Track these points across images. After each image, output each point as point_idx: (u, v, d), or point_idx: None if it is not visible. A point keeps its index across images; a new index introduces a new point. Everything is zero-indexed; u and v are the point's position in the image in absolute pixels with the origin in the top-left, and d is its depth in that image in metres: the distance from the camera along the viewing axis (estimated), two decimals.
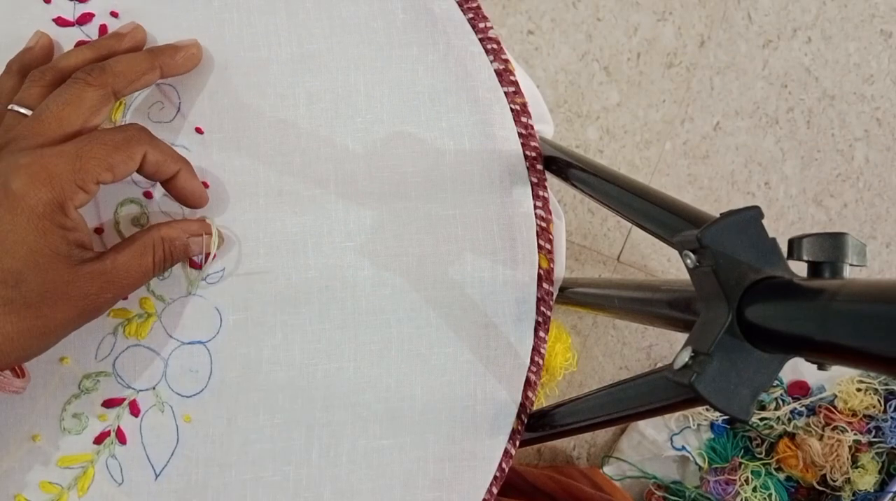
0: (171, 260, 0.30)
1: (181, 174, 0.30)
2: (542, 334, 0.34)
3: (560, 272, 0.36)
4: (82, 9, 0.33)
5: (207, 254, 0.32)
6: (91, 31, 0.33)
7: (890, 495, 0.79)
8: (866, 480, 0.79)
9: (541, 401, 0.85)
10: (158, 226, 0.30)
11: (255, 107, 0.33)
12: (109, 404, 0.32)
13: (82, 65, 0.29)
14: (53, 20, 0.33)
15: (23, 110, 0.28)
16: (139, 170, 0.29)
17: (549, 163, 0.35)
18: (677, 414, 0.85)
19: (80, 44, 0.33)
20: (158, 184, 0.32)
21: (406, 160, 0.34)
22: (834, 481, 0.79)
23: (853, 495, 0.80)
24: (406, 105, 0.34)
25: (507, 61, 0.34)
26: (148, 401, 0.32)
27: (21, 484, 0.31)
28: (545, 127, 0.35)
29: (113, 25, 0.33)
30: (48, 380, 0.32)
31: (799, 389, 0.83)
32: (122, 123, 0.32)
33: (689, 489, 0.85)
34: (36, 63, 0.31)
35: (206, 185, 0.33)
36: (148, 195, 0.32)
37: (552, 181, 0.35)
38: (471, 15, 0.34)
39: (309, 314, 0.33)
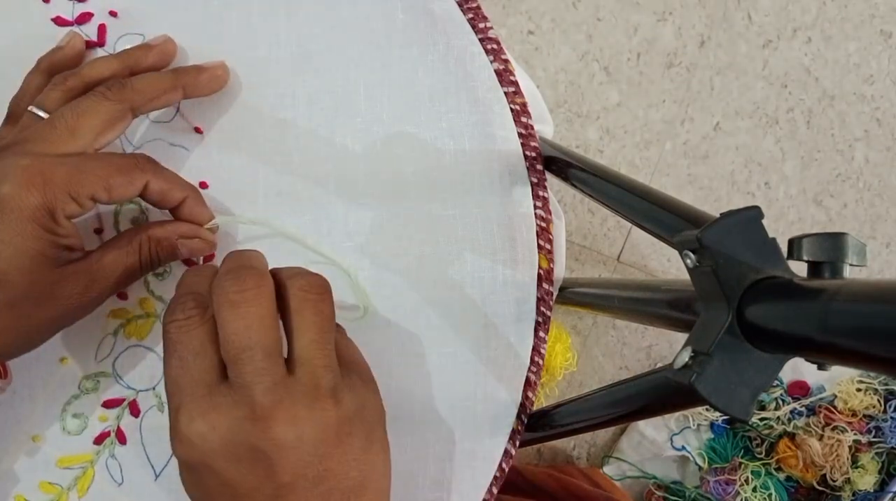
0: (158, 260, 0.30)
1: (187, 202, 0.30)
2: (542, 334, 0.34)
3: (560, 272, 0.36)
4: (81, 8, 0.33)
5: (211, 256, 0.32)
6: (90, 31, 0.33)
7: (890, 495, 0.79)
8: (866, 480, 0.79)
9: (541, 401, 0.85)
10: (148, 226, 0.30)
11: (255, 107, 0.33)
12: (109, 404, 0.32)
13: (107, 75, 0.29)
14: (52, 19, 0.33)
15: (40, 112, 0.28)
16: (143, 197, 0.29)
17: (549, 163, 0.35)
18: (677, 413, 0.85)
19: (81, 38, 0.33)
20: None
21: (406, 160, 0.34)
22: (834, 481, 0.79)
23: (853, 495, 0.80)
24: (406, 105, 0.34)
25: (507, 61, 0.34)
26: (148, 402, 0.32)
27: (21, 485, 0.31)
28: (545, 127, 0.35)
29: (112, 25, 0.33)
30: (48, 381, 0.32)
31: (799, 389, 0.83)
32: None
33: (689, 489, 0.85)
34: (65, 64, 0.31)
35: (204, 186, 0.33)
36: None
37: (552, 181, 0.35)
38: (471, 15, 0.34)
39: None
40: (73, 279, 0.27)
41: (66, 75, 0.29)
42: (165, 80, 0.30)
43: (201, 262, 0.32)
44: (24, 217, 0.25)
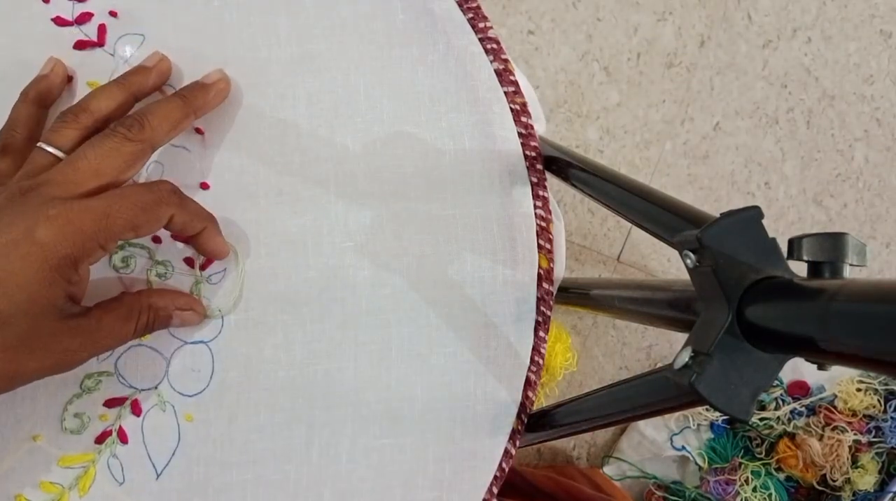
0: (153, 328, 0.30)
1: (205, 232, 0.30)
2: (542, 334, 0.34)
3: (560, 272, 0.36)
4: (81, 8, 0.33)
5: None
6: (90, 31, 0.33)
7: (890, 495, 0.79)
8: (866, 480, 0.79)
9: (541, 401, 0.85)
10: (149, 293, 0.30)
11: (255, 108, 0.33)
12: (111, 403, 0.32)
13: (115, 107, 0.29)
14: (52, 19, 0.33)
15: (55, 152, 0.28)
16: (166, 228, 0.29)
17: (549, 163, 0.35)
18: (677, 414, 0.85)
19: (79, 43, 0.33)
20: None
21: (406, 160, 0.34)
22: (834, 481, 0.79)
23: (853, 495, 0.80)
24: (406, 105, 0.34)
25: (506, 61, 0.34)
26: (150, 401, 0.32)
27: (22, 484, 0.31)
28: (537, 124, 0.35)
29: (112, 25, 0.33)
30: (49, 380, 0.32)
31: (799, 389, 0.83)
32: None
33: (689, 489, 0.85)
34: (52, 91, 0.31)
35: (206, 186, 0.33)
36: None
37: (552, 182, 0.35)
38: (471, 15, 0.34)
39: (309, 314, 0.33)
40: (71, 335, 0.26)
41: (75, 111, 0.29)
42: (177, 110, 0.30)
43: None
44: (50, 265, 0.25)
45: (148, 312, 0.30)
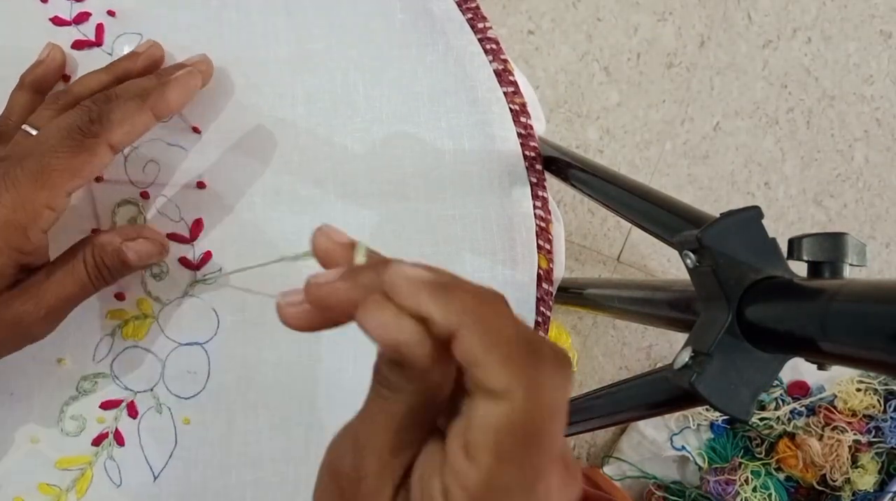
0: (106, 268, 0.28)
1: (160, 109, 0.28)
2: (541, 334, 0.34)
3: (560, 272, 0.36)
4: (79, 8, 0.33)
5: (208, 254, 0.32)
6: (88, 31, 0.33)
7: (890, 495, 0.79)
8: (866, 480, 0.79)
9: None
10: (91, 236, 0.28)
11: (254, 107, 0.33)
12: (107, 406, 0.32)
13: (97, 89, 0.29)
14: (50, 19, 0.33)
15: (32, 131, 0.28)
16: (113, 149, 0.27)
17: (549, 164, 0.35)
18: (677, 414, 0.85)
19: (77, 43, 0.32)
20: (155, 184, 0.32)
21: (406, 160, 0.33)
22: (834, 481, 0.79)
23: (853, 495, 0.80)
24: (405, 105, 0.34)
25: (506, 61, 0.34)
26: (146, 403, 0.32)
27: (20, 486, 0.31)
28: (536, 124, 0.35)
29: (109, 24, 0.33)
30: (46, 382, 0.32)
31: (799, 389, 0.83)
32: None
33: (689, 489, 0.84)
34: (48, 78, 0.31)
35: (202, 185, 0.33)
36: (145, 195, 0.32)
37: (552, 182, 0.35)
38: (470, 15, 0.34)
39: None
40: (21, 299, 0.26)
41: (57, 94, 0.29)
42: (137, 110, 0.27)
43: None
44: None
45: (92, 250, 0.27)
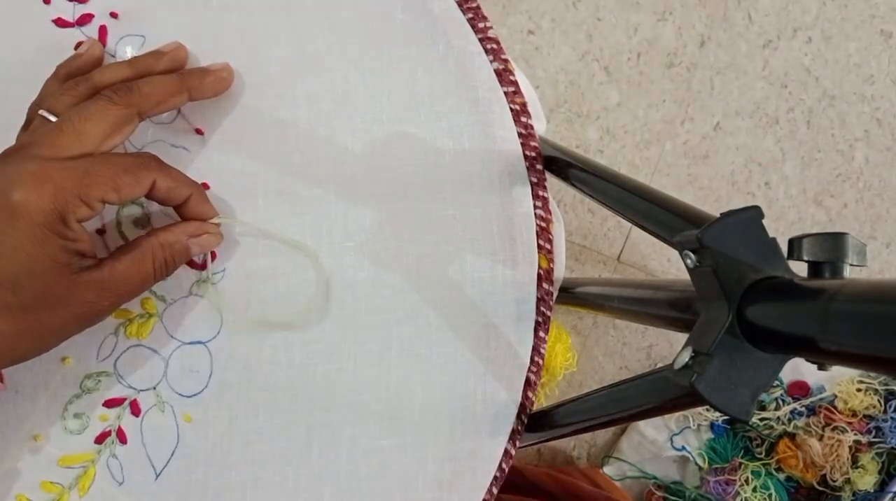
0: (173, 264, 0.30)
1: (192, 200, 0.30)
2: (542, 334, 0.34)
3: (560, 272, 0.36)
4: (82, 9, 0.33)
5: (213, 254, 0.32)
6: (91, 32, 0.33)
7: (890, 495, 0.79)
8: (866, 480, 0.79)
9: (541, 401, 0.85)
10: (157, 232, 0.30)
11: (255, 108, 0.33)
12: (110, 404, 0.32)
13: (118, 80, 0.29)
14: (53, 21, 0.33)
15: (50, 116, 0.28)
16: (150, 196, 0.29)
17: (549, 163, 0.35)
18: (677, 414, 0.85)
19: (80, 45, 0.33)
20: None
21: (406, 160, 0.34)
22: (834, 481, 0.79)
23: (853, 495, 0.80)
24: (406, 105, 0.34)
25: (506, 61, 0.34)
26: (149, 401, 0.32)
27: (22, 484, 0.31)
28: (537, 124, 0.35)
29: (112, 26, 0.33)
30: (50, 380, 0.32)
31: (799, 389, 0.83)
32: None
33: (689, 489, 0.85)
34: (82, 70, 0.31)
35: (206, 186, 0.33)
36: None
37: (552, 182, 0.35)
38: (470, 15, 0.34)
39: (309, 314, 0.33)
40: (86, 287, 0.27)
41: (77, 81, 0.29)
42: (171, 83, 0.30)
43: (209, 259, 0.32)
44: (37, 222, 0.25)
45: (162, 250, 0.29)
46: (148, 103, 0.29)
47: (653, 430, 0.86)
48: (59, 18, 0.33)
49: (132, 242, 0.29)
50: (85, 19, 0.33)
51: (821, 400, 0.81)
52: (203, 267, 0.33)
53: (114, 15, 0.33)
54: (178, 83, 0.30)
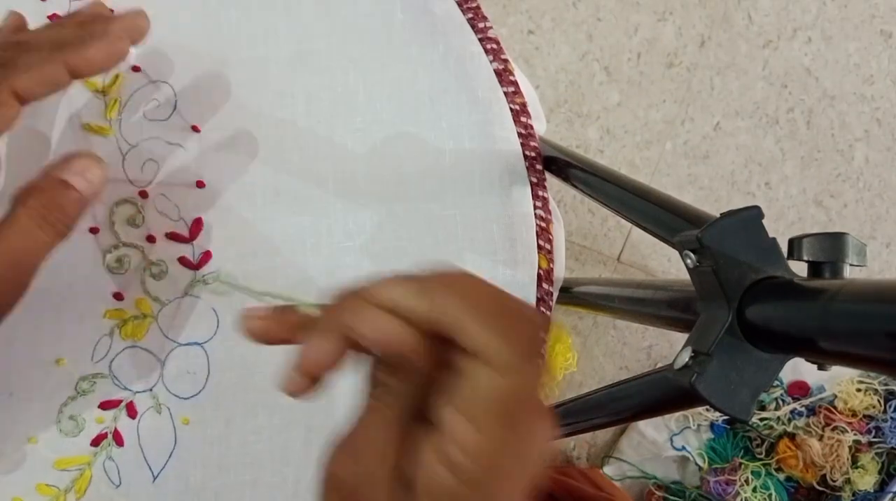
0: (65, 215, 0.25)
1: (74, 58, 0.25)
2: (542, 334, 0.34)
3: (560, 272, 0.36)
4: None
5: (209, 254, 0.32)
6: None
7: (890, 495, 0.79)
8: (866, 480, 0.79)
9: None
10: (24, 190, 0.24)
11: (253, 106, 0.33)
12: (106, 406, 0.32)
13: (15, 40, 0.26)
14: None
15: None
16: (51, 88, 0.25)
17: (549, 163, 0.35)
18: (677, 413, 0.85)
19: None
20: (154, 183, 0.32)
21: (406, 160, 0.33)
22: (834, 481, 0.79)
23: (853, 495, 0.80)
24: (406, 105, 0.33)
25: (506, 61, 0.34)
26: (145, 403, 0.32)
27: (18, 487, 0.31)
28: (537, 124, 0.35)
29: None
30: (45, 383, 0.31)
31: (799, 389, 0.83)
32: (118, 121, 0.32)
33: (689, 489, 0.84)
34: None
35: (201, 184, 0.33)
36: (143, 194, 0.32)
37: (552, 182, 0.35)
38: (470, 15, 0.34)
39: None
40: None
41: None
42: (45, 54, 0.25)
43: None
44: None
45: (31, 196, 0.24)
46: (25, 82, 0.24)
47: (653, 430, 0.86)
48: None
49: (7, 215, 0.24)
50: None
51: (821, 400, 0.81)
52: (198, 267, 0.32)
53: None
54: (55, 64, 0.25)
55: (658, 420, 0.86)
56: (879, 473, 0.80)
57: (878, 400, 0.79)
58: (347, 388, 0.33)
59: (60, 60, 0.25)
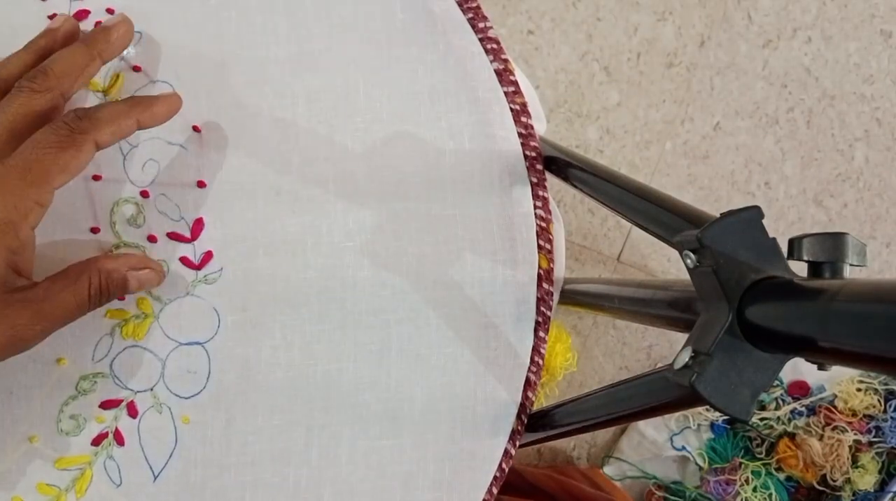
0: (108, 293, 0.29)
1: (144, 117, 0.29)
2: (542, 334, 0.34)
3: (560, 273, 0.36)
4: (78, 5, 0.33)
5: (209, 254, 0.32)
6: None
7: (890, 495, 0.79)
8: (866, 480, 0.79)
9: (541, 401, 0.84)
10: (97, 258, 0.29)
11: (254, 106, 0.33)
12: (107, 405, 0.32)
13: (24, 69, 0.28)
14: (49, 17, 0.33)
15: None
16: (100, 147, 0.28)
17: (549, 163, 0.35)
18: (677, 413, 0.85)
19: (54, 16, 0.32)
20: (155, 183, 0.32)
21: (406, 160, 0.33)
22: (834, 481, 0.79)
23: (853, 495, 0.80)
24: (406, 105, 0.34)
25: (506, 61, 0.34)
26: (146, 403, 0.32)
27: (19, 486, 0.31)
28: (537, 124, 0.35)
29: None
30: (45, 382, 0.31)
31: (799, 389, 0.83)
32: None
33: (690, 489, 0.84)
34: (51, 48, 0.30)
35: (202, 185, 0.33)
36: (144, 194, 0.32)
37: (552, 182, 0.35)
38: (470, 15, 0.34)
39: (308, 314, 0.33)
40: (19, 309, 0.25)
41: None
42: (80, 55, 0.28)
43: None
44: None
45: (98, 275, 0.28)
46: (67, 82, 0.28)
47: (653, 430, 0.86)
48: (55, 14, 0.33)
49: (70, 267, 0.28)
50: (81, 15, 0.33)
51: (821, 399, 0.81)
52: (199, 266, 0.33)
53: (110, 11, 0.33)
54: (86, 51, 0.29)
55: (658, 420, 0.86)
56: (879, 473, 0.80)
57: (879, 400, 0.79)
58: (348, 387, 0.33)
59: (134, 115, 0.29)
